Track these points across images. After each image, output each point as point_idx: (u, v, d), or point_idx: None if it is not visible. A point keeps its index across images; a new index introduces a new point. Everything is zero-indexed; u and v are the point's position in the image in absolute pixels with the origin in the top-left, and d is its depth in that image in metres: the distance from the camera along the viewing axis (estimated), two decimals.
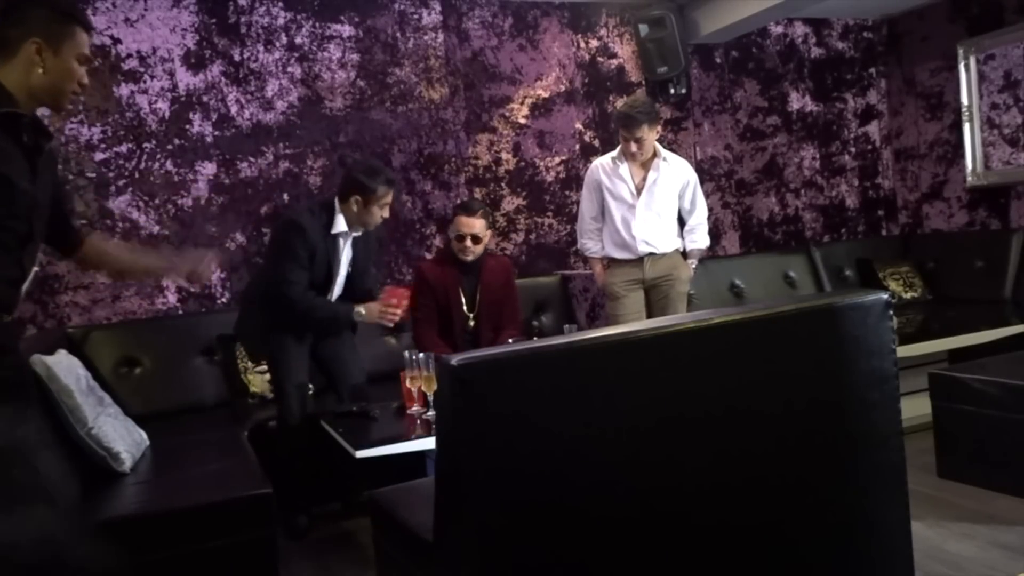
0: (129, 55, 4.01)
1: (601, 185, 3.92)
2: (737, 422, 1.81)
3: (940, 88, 5.50)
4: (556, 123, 4.91)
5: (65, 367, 2.75)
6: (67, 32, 1.85)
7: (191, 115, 4.12)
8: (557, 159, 4.91)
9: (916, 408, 3.49)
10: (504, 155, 4.80)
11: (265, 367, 3.62)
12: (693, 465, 1.78)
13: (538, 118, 4.87)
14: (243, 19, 4.22)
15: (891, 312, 1.93)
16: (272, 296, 3.24)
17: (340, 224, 3.26)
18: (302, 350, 3.35)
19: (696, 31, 5.01)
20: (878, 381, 1.91)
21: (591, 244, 3.99)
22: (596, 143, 4.98)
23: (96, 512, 2.42)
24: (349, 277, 3.40)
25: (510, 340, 3.46)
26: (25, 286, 1.87)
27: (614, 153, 3.95)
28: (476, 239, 3.70)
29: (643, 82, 5.11)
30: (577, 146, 4.96)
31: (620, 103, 4.49)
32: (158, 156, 4.06)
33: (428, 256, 4.44)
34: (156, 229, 4.05)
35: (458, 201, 4.41)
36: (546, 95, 4.88)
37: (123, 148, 3.99)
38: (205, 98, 4.15)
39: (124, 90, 4.00)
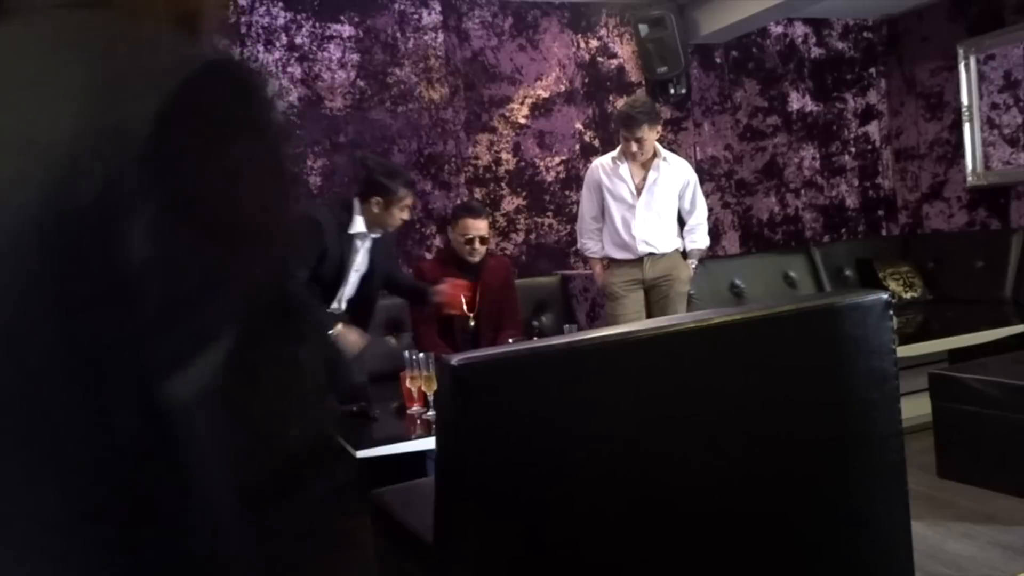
0: None
1: (601, 185, 3.92)
2: (737, 422, 1.81)
3: (940, 88, 5.50)
4: (556, 123, 4.90)
5: None
6: None
7: None
8: (557, 159, 4.91)
9: (916, 408, 3.49)
10: (504, 155, 4.79)
11: None
12: (693, 465, 1.78)
13: (538, 118, 4.86)
14: (243, 19, 4.22)
15: (891, 312, 1.93)
16: None
17: (359, 224, 3.24)
18: None
19: (696, 31, 5.01)
20: (878, 381, 1.91)
21: (591, 244, 3.99)
22: (596, 143, 4.97)
23: None
24: (364, 280, 3.35)
25: (510, 340, 3.46)
26: None
27: (614, 153, 3.95)
28: (483, 240, 3.80)
29: (643, 82, 5.11)
30: (577, 146, 4.95)
31: (620, 103, 4.49)
32: None
33: (428, 256, 4.44)
34: None
35: (458, 201, 4.42)
36: (546, 95, 4.88)
37: None
38: None
39: None
